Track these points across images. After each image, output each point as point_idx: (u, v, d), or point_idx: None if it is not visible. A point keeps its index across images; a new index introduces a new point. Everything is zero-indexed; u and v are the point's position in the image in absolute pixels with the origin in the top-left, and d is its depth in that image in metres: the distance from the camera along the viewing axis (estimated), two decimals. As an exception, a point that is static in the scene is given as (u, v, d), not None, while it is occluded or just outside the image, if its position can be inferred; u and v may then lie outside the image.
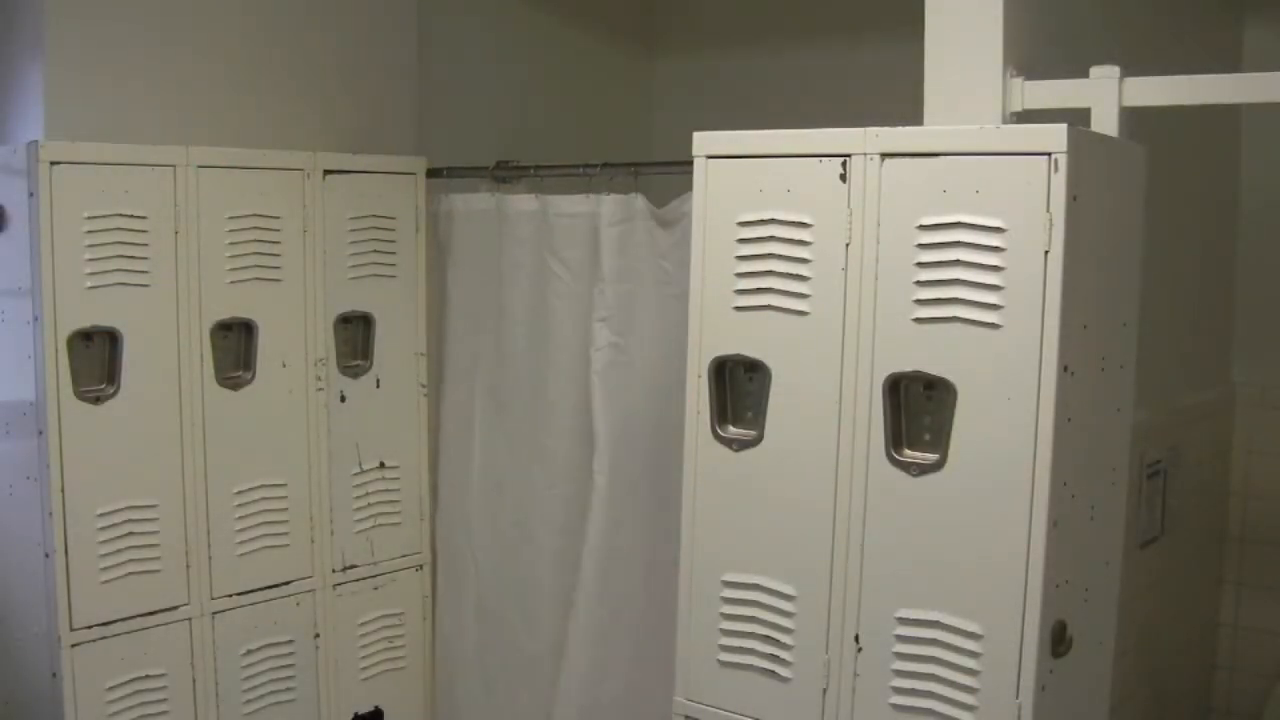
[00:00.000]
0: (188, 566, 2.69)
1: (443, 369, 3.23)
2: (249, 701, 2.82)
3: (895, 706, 2.04)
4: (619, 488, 2.91)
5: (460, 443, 3.21)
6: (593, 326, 2.91)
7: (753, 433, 2.19)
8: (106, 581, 2.56)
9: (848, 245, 2.05)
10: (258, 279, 2.78)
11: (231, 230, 2.72)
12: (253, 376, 2.79)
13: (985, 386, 1.93)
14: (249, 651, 2.81)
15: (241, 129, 2.88)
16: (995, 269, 1.90)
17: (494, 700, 3.18)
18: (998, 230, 1.90)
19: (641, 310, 2.86)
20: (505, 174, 3.14)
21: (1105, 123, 2.11)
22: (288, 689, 2.90)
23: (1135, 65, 2.13)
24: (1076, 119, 1.97)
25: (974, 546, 1.95)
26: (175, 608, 2.68)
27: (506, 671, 3.14)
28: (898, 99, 2.23)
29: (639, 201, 2.84)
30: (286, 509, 2.88)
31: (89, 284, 2.50)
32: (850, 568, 2.08)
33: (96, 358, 2.55)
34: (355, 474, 3.02)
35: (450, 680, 3.26)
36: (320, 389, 2.92)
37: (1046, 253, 1.86)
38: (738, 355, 2.20)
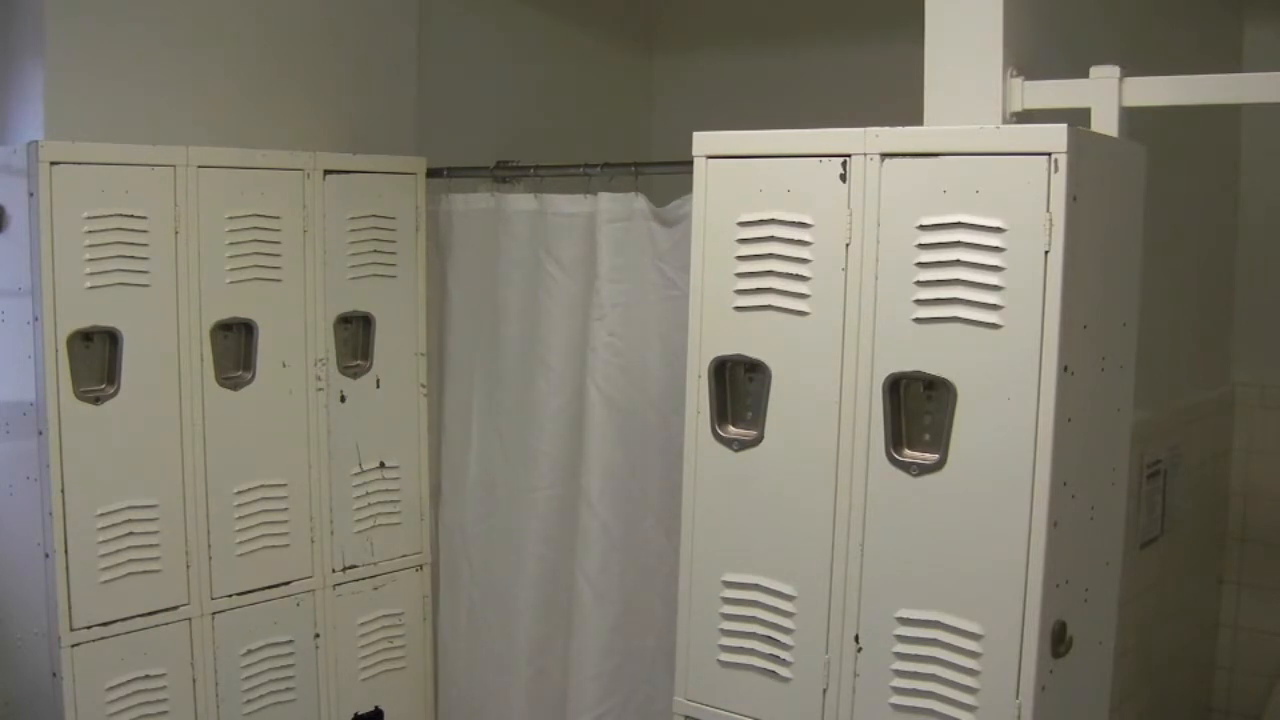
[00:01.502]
0: (188, 566, 2.69)
1: (443, 369, 3.24)
2: (249, 701, 2.82)
3: (895, 706, 2.04)
4: (613, 489, 2.91)
5: (460, 442, 3.21)
6: (589, 326, 2.91)
7: (753, 433, 2.19)
8: (106, 581, 2.56)
9: (848, 245, 2.05)
10: (258, 279, 2.78)
11: (231, 230, 2.72)
12: (253, 376, 2.79)
13: (985, 386, 1.93)
14: (249, 651, 2.81)
15: (241, 129, 2.88)
16: (995, 269, 1.90)
17: (492, 702, 3.18)
18: (998, 230, 1.90)
19: (639, 310, 2.86)
20: (505, 174, 3.14)
21: (1105, 123, 2.11)
22: (288, 689, 2.90)
23: (1135, 65, 2.13)
24: (1076, 119, 1.97)
25: (974, 546, 1.95)
26: (175, 608, 2.68)
27: (501, 673, 3.15)
28: (898, 99, 2.23)
29: (639, 201, 2.84)
30: (286, 509, 2.87)
31: (89, 284, 2.50)
32: (850, 568, 2.08)
33: (96, 358, 2.55)
34: (355, 474, 3.02)
35: (450, 681, 3.26)
36: (320, 389, 2.92)
37: (1046, 253, 1.86)
38: (738, 355, 2.19)
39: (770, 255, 2.13)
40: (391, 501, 3.10)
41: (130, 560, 2.60)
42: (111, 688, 2.58)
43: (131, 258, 2.56)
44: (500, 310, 3.10)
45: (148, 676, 2.64)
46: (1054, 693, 1.96)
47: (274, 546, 2.85)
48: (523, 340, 3.06)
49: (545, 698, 3.07)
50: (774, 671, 2.18)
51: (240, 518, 2.78)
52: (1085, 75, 2.14)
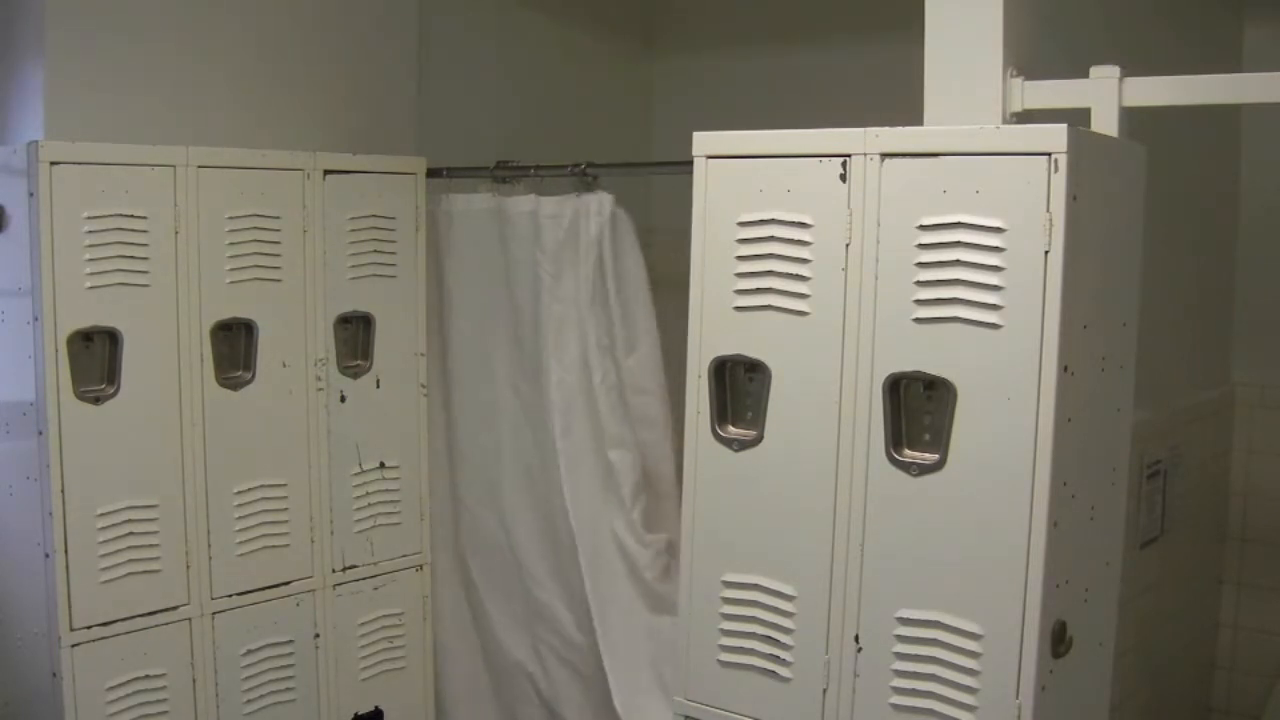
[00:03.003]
0: (188, 566, 2.69)
1: (445, 369, 3.23)
2: (249, 701, 2.82)
3: (895, 706, 2.04)
4: (596, 488, 2.92)
5: (471, 441, 3.21)
6: (585, 328, 2.93)
7: (753, 433, 2.19)
8: (106, 581, 2.56)
9: (848, 245, 2.05)
10: (258, 279, 2.78)
11: (231, 230, 2.72)
12: (253, 376, 2.79)
13: (985, 386, 1.93)
14: (249, 651, 2.81)
15: (241, 129, 2.88)
16: (995, 269, 1.90)
17: (547, 693, 3.17)
18: (998, 230, 1.90)
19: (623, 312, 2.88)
20: (505, 174, 3.14)
21: (1105, 123, 2.11)
22: (288, 689, 2.89)
23: (1135, 65, 2.13)
24: (1076, 119, 1.97)
25: (974, 546, 1.95)
26: (175, 608, 2.68)
27: (556, 666, 3.14)
28: (898, 99, 2.23)
29: (607, 202, 2.86)
30: (286, 509, 2.87)
31: (89, 284, 2.50)
32: (850, 568, 2.08)
33: (96, 358, 2.55)
34: (355, 474, 3.02)
35: (498, 680, 3.24)
36: (320, 389, 2.92)
37: (1046, 253, 1.86)
38: (738, 355, 2.19)
39: (770, 255, 2.13)
40: (391, 501, 3.10)
41: (130, 560, 2.60)
42: (111, 688, 2.58)
43: (131, 258, 2.56)
44: (503, 309, 3.10)
45: (148, 676, 2.64)
46: (1054, 693, 1.96)
47: (274, 546, 2.85)
48: (529, 339, 3.06)
49: (589, 689, 3.08)
50: (774, 671, 2.18)
51: (240, 518, 2.78)
52: (1085, 75, 2.14)
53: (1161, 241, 2.40)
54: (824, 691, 2.12)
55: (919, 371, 2.00)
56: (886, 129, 2.02)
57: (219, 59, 2.90)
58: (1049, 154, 1.84)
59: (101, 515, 2.55)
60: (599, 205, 2.86)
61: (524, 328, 3.08)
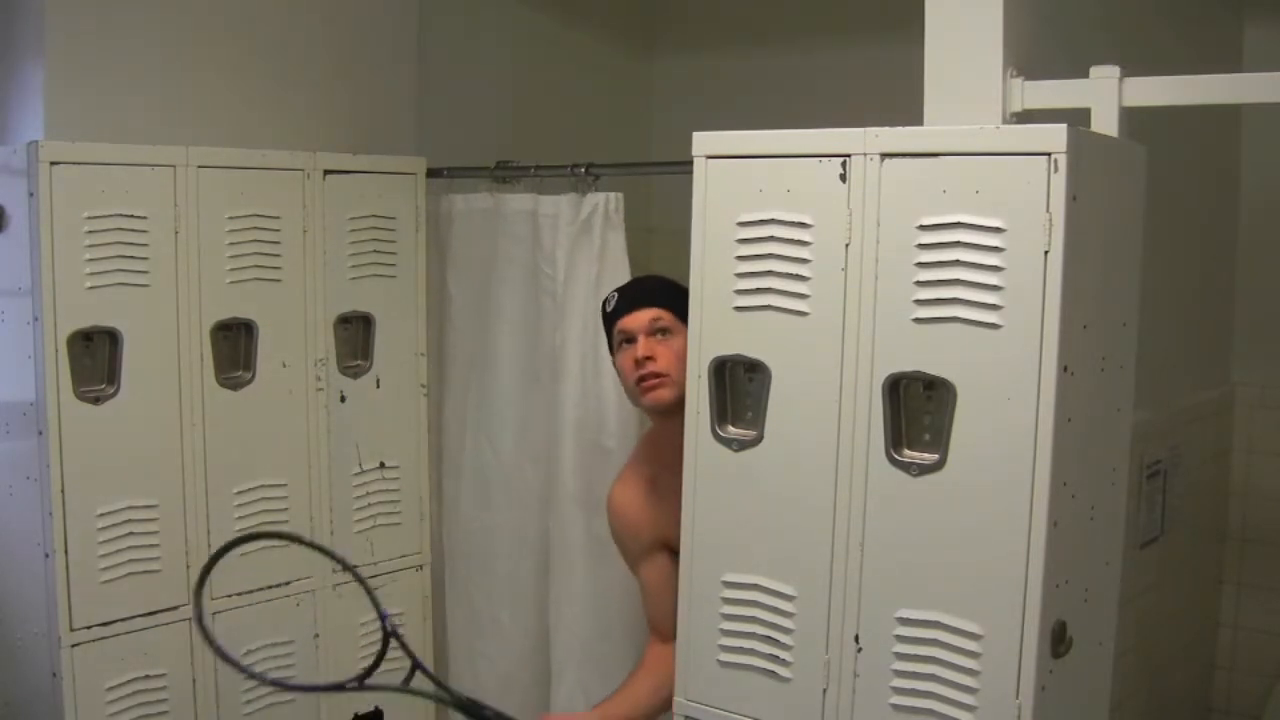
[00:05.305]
0: (188, 566, 2.69)
1: (444, 370, 3.23)
2: (249, 702, 2.82)
3: (895, 707, 2.04)
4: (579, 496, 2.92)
5: (456, 441, 3.21)
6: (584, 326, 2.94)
7: (753, 433, 2.19)
8: (106, 581, 2.56)
9: (848, 245, 2.05)
10: (258, 279, 2.78)
11: (231, 230, 2.72)
12: (253, 376, 2.79)
13: (985, 386, 1.93)
14: (249, 652, 2.81)
15: (241, 129, 2.88)
16: (995, 269, 1.90)
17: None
18: (998, 230, 1.89)
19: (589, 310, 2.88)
20: (505, 174, 3.14)
21: (1105, 123, 2.11)
22: (288, 689, 2.90)
23: (1135, 65, 2.13)
24: (1076, 119, 1.97)
25: (974, 546, 1.95)
26: (175, 608, 2.68)
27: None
28: (898, 99, 2.23)
29: (612, 201, 2.86)
30: (287, 509, 2.88)
31: (89, 284, 2.50)
32: (850, 568, 2.08)
33: (96, 358, 2.55)
34: (355, 474, 3.02)
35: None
36: (320, 389, 2.92)
37: (1046, 253, 1.85)
38: (738, 355, 2.19)
39: (770, 255, 2.13)
40: (391, 501, 3.10)
41: (130, 560, 2.60)
42: (111, 688, 2.58)
43: (131, 258, 2.56)
44: (503, 309, 3.10)
45: (148, 676, 2.64)
46: (1054, 693, 1.96)
47: (274, 546, 2.84)
48: (528, 339, 3.06)
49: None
50: (774, 671, 2.18)
51: (240, 518, 2.78)
52: (1085, 75, 2.14)
53: (1161, 241, 2.39)
54: (824, 691, 2.12)
55: (919, 371, 1.99)
56: (886, 129, 2.01)
57: (219, 59, 2.90)
58: (1049, 154, 1.84)
59: (101, 515, 2.55)
60: (603, 204, 2.86)
61: (525, 327, 3.08)
